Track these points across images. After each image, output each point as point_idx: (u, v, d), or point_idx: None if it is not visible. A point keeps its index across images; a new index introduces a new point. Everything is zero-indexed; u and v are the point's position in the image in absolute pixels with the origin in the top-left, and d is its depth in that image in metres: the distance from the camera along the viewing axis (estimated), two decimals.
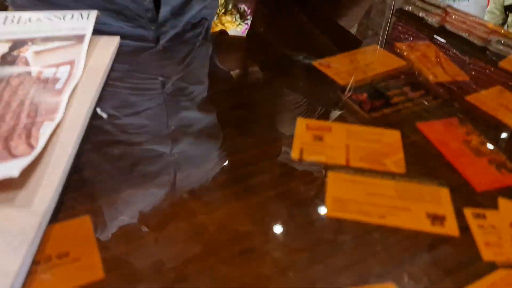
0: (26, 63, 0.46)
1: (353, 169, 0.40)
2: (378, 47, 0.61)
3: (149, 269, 0.31)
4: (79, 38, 0.50)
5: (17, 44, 0.48)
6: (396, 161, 0.41)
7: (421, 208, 0.37)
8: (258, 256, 0.32)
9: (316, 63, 0.55)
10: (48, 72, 0.46)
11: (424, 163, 0.41)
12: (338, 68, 0.55)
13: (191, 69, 0.56)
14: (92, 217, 0.34)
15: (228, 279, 0.30)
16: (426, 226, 0.35)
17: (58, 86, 0.44)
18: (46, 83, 0.44)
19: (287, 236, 0.34)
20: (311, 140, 0.43)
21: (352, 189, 0.38)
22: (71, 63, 0.47)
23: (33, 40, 0.49)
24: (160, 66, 0.55)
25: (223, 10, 0.79)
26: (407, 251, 0.33)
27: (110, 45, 0.52)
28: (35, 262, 0.30)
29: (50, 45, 0.48)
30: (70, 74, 0.46)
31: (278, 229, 0.34)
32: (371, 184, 0.39)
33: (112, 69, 0.51)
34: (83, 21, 0.52)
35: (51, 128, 0.39)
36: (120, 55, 0.55)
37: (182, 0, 0.60)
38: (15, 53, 0.47)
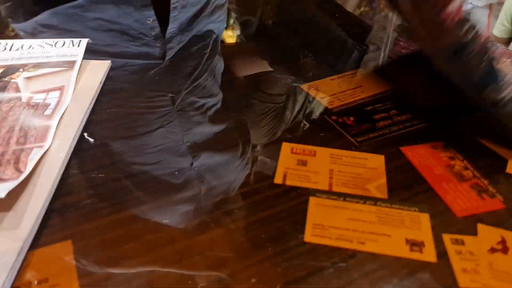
0: (17, 89, 0.47)
1: (336, 194, 0.40)
2: (366, 70, 0.62)
3: None
4: (70, 64, 0.51)
5: (9, 70, 0.49)
6: (378, 186, 0.42)
7: (400, 234, 0.37)
8: (235, 283, 0.32)
9: (304, 86, 0.56)
10: (38, 98, 0.47)
11: (406, 188, 0.41)
12: (326, 91, 0.55)
13: (200, 83, 0.56)
14: (73, 242, 0.34)
15: None
16: (404, 252, 0.35)
17: (48, 111, 0.45)
18: (36, 108, 0.45)
19: (265, 262, 0.34)
20: (295, 164, 0.44)
21: (333, 214, 0.38)
22: (61, 88, 0.48)
23: (24, 67, 0.50)
24: (168, 82, 0.56)
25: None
26: (385, 278, 0.33)
27: (100, 69, 0.53)
28: None
29: (40, 71, 0.50)
30: (59, 100, 0.47)
31: (256, 255, 0.34)
32: (353, 209, 0.39)
33: (122, 89, 0.52)
34: (74, 48, 0.53)
35: (39, 155, 0.40)
36: (128, 75, 0.56)
37: (190, 16, 0.61)
38: (6, 79, 0.48)
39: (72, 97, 0.47)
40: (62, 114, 0.45)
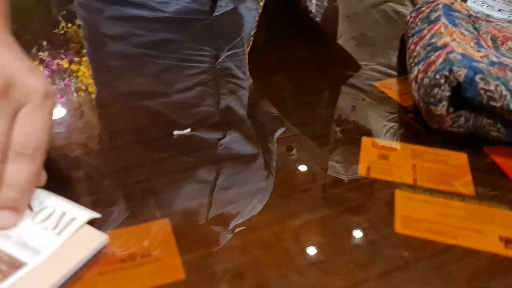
0: None
1: (421, 189, 0.40)
2: None
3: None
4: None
5: None
6: (464, 183, 0.41)
7: (493, 230, 0.36)
8: (330, 268, 0.32)
9: (378, 84, 0.56)
10: None
11: (493, 187, 0.41)
12: (401, 90, 0.55)
13: (237, 53, 0.56)
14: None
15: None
16: (500, 249, 0.35)
17: None
18: None
19: (359, 250, 0.34)
20: (377, 158, 0.43)
21: (421, 208, 0.38)
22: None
23: None
24: (213, 38, 0.56)
25: None
26: (482, 274, 0.33)
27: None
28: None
29: None
30: None
31: (348, 243, 0.34)
32: (441, 204, 0.39)
33: (167, 39, 0.54)
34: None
35: None
36: (173, 26, 0.57)
37: None
38: None
39: None
40: None
